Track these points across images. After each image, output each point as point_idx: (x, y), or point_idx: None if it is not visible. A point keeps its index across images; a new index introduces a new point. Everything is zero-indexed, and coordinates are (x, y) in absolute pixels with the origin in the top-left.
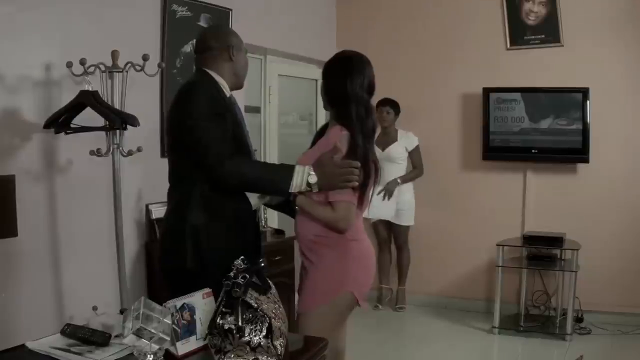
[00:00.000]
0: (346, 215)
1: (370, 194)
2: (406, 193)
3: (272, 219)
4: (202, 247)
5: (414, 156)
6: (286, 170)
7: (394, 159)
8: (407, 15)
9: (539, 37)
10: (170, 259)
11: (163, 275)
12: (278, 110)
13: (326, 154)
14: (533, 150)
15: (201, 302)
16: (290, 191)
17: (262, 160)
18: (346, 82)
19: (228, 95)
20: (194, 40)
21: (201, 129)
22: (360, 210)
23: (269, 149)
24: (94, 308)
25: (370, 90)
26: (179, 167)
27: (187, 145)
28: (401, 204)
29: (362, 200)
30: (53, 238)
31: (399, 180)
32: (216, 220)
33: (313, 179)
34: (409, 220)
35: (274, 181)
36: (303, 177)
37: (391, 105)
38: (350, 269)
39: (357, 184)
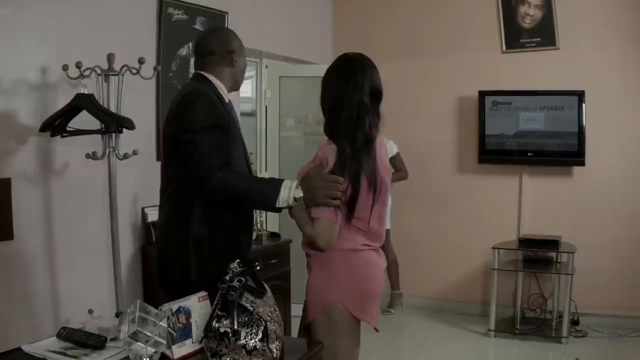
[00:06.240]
0: (323, 233)
1: (371, 206)
2: None
3: (271, 222)
4: (206, 260)
5: (395, 163)
6: (274, 185)
7: None
8: (404, 19)
9: (534, 40)
10: (173, 272)
11: (161, 285)
12: (279, 113)
13: (314, 169)
14: (529, 153)
15: (197, 305)
16: (277, 206)
17: (257, 161)
18: (341, 85)
19: (227, 100)
20: (194, 42)
21: (195, 144)
22: (356, 224)
23: (266, 152)
24: (90, 311)
25: (374, 94)
26: (176, 175)
27: (182, 158)
28: None
29: (351, 215)
30: (49, 241)
31: None
32: (218, 231)
33: (299, 193)
34: None
35: (262, 195)
36: (290, 192)
37: None
38: (335, 280)
39: (338, 202)
